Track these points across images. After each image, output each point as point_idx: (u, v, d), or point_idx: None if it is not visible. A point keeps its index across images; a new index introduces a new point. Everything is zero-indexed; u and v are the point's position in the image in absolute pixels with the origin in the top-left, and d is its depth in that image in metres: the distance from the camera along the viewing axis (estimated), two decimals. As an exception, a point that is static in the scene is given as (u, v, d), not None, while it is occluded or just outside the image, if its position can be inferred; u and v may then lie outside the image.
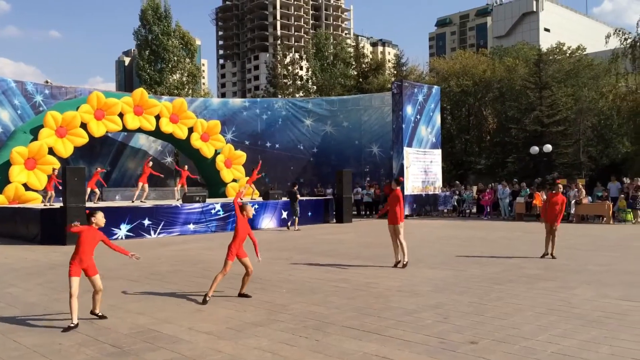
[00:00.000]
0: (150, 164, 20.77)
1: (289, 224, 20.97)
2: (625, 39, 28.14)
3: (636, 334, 6.03)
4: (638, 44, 27.29)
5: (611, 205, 22.33)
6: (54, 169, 20.41)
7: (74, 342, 6.03)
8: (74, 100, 24.28)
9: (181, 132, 24.84)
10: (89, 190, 20.15)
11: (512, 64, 41.69)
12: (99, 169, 21.97)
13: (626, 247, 14.23)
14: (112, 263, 12.28)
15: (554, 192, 12.50)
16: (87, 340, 6.10)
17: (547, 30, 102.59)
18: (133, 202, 20.10)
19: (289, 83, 50.57)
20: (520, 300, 7.84)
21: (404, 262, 11.06)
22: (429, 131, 28.34)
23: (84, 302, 7.28)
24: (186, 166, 23.23)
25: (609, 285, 8.89)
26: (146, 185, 20.58)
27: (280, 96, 46.52)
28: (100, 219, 6.88)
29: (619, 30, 28.70)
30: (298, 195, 20.74)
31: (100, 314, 7.00)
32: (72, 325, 6.46)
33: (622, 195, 22.60)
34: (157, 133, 25.03)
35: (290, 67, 51.59)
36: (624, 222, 22.00)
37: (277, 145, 31.17)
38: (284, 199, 22.94)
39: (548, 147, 28.87)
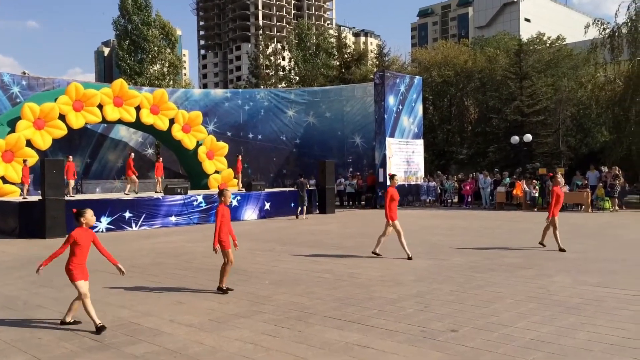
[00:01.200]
0: (132, 155, 20.96)
1: (298, 212, 21.70)
2: (604, 29, 28.40)
3: (612, 319, 6.15)
4: (616, 34, 27.57)
5: (590, 193, 22.67)
6: (24, 160, 20.11)
7: (53, 336, 5.98)
8: (52, 91, 23.86)
9: (162, 124, 24.59)
10: (71, 182, 19.99)
11: (493, 54, 41.93)
12: (70, 158, 21.15)
13: (604, 235, 14.49)
14: (92, 255, 12.16)
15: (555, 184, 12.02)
16: (66, 334, 6.05)
17: (527, 20, 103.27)
18: (127, 193, 20.32)
19: (271, 74, 50.30)
20: (500, 288, 7.94)
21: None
22: (411, 121, 28.44)
23: (64, 303, 7.20)
24: (160, 158, 23.59)
25: (586, 272, 9.05)
26: (134, 177, 20.90)
27: (262, 87, 46.26)
28: (90, 217, 6.43)
29: (598, 21, 28.96)
30: (308, 185, 22.24)
31: (72, 320, 6.48)
32: (101, 324, 6.06)
33: (601, 184, 22.96)
34: (137, 124, 24.75)
35: (272, 58, 51.29)
36: (602, 210, 22.36)
37: (259, 137, 31.04)
38: (267, 190, 23.00)
39: (528, 137, 29.17)
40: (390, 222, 10.91)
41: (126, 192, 20.84)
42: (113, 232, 17.16)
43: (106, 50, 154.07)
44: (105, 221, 17.34)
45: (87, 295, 6.15)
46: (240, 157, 24.52)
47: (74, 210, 6.46)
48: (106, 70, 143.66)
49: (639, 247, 11.19)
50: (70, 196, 19.14)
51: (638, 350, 5.09)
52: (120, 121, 24.07)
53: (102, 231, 17.19)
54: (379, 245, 11.32)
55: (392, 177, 11.79)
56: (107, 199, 18.18)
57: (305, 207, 21.75)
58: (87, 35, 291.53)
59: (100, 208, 17.35)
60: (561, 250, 11.49)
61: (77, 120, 22.28)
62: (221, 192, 8.01)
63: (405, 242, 10.93)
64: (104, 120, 23.62)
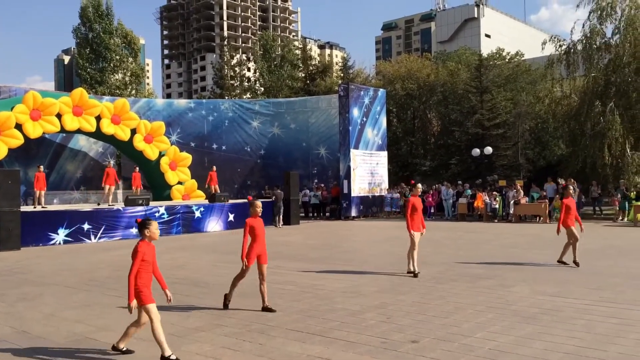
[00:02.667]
0: (111, 163, 20.87)
1: (277, 221, 23.04)
2: (560, 46, 29.37)
3: (568, 328, 6.30)
4: (572, 50, 28.55)
5: (547, 205, 23.29)
6: None
7: (4, 352, 5.74)
8: (8, 100, 23.19)
9: (123, 134, 24.13)
10: (38, 193, 19.24)
11: (455, 69, 42.87)
12: (41, 168, 20.51)
13: (561, 245, 14.81)
14: (48, 268, 11.82)
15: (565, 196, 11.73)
16: (18, 350, 5.82)
17: (487, 36, 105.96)
18: (109, 204, 19.78)
19: (235, 84, 50.09)
20: (462, 299, 8.05)
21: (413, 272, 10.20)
22: (375, 133, 28.73)
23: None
24: (137, 167, 23.32)
25: (544, 282, 9.26)
26: (107, 187, 20.35)
27: (227, 97, 46.00)
28: (155, 230, 5.55)
29: (555, 37, 29.94)
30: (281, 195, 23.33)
31: (124, 349, 5.66)
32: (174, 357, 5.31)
33: (557, 196, 23.60)
34: (97, 134, 24.21)
35: (237, 68, 51.12)
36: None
37: (223, 147, 30.80)
38: (231, 201, 22.85)
39: (489, 150, 29.85)
40: (410, 232, 10.28)
41: (106, 202, 20.19)
42: (71, 245, 16.69)
43: (66, 59, 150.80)
44: (62, 233, 16.86)
45: (159, 319, 5.34)
46: (214, 169, 24.75)
47: (138, 220, 5.63)
48: (66, 79, 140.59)
49: (595, 256, 11.53)
50: (43, 207, 18.62)
51: (592, 359, 5.22)
52: (79, 131, 23.50)
53: (60, 243, 16.71)
54: (413, 262, 10.27)
55: (413, 186, 10.81)
56: (64, 210, 17.71)
57: (281, 216, 23.22)
58: (47, 43, 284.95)
59: (57, 220, 16.89)
60: (576, 263, 10.95)
61: (34, 130, 21.64)
62: (251, 203, 7.46)
63: (415, 257, 10.20)
64: (62, 130, 23.03)
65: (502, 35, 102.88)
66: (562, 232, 11.24)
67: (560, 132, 32.54)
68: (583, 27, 28.20)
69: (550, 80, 31.14)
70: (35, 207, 18.55)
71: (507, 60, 46.67)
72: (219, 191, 23.86)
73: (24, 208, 17.83)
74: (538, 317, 6.85)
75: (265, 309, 7.43)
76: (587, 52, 27.92)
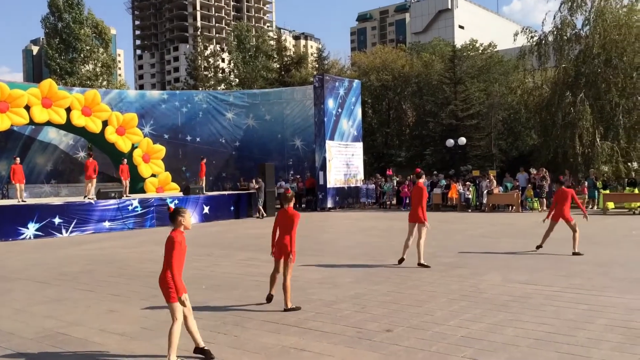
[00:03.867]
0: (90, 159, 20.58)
1: (259, 212, 23.44)
2: (532, 37, 29.79)
3: (537, 315, 6.42)
4: (543, 42, 28.97)
5: (520, 194, 23.67)
6: None
7: (-29, 351, 5.61)
8: (-27, 91, 22.52)
9: (94, 126, 23.68)
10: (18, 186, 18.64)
11: (429, 60, 43.15)
12: (17, 160, 19.90)
13: (533, 234, 15.09)
14: (17, 263, 11.58)
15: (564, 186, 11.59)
16: (-14, 348, 5.69)
17: (461, 27, 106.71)
18: (87, 198, 19.37)
19: (209, 75, 49.63)
20: (435, 288, 8.14)
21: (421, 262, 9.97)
22: (350, 124, 28.76)
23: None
24: (125, 160, 22.43)
25: (515, 270, 9.42)
26: (93, 180, 20.05)
27: (200, 89, 45.52)
28: (189, 219, 5.14)
29: (527, 29, 30.35)
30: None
31: (206, 347, 5.30)
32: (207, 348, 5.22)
33: (530, 185, 24.01)
34: (68, 126, 23.71)
35: (211, 59, 50.63)
36: (531, 210, 23.38)
37: (198, 139, 30.49)
38: (207, 193, 22.72)
39: (462, 140, 30.16)
40: (425, 223, 10.10)
41: (88, 195, 19.75)
42: (41, 239, 16.37)
43: (35, 49, 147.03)
44: (33, 227, 16.53)
45: (181, 321, 5.05)
46: (204, 160, 24.44)
47: (171, 209, 5.21)
48: (35, 70, 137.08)
49: (565, 244, 11.75)
50: (22, 201, 18.07)
51: (561, 344, 5.33)
52: (49, 123, 23.00)
53: (30, 238, 16.38)
54: (421, 253, 10.07)
55: (419, 175, 10.67)
56: (34, 204, 17.34)
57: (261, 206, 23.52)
58: (15, 33, 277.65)
59: (27, 213, 16.54)
60: (576, 254, 10.83)
61: (1, 122, 21.10)
62: (284, 196, 7.19)
63: (410, 245, 10.13)
64: (31, 122, 22.50)
65: (476, 26, 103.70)
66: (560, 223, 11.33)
67: (532, 123, 33.08)
68: (554, 18, 28.68)
69: (522, 71, 31.60)
70: (19, 201, 17.90)
71: (480, 51, 47.15)
72: (202, 184, 23.78)
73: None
74: (509, 305, 6.97)
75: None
76: (557, 44, 28.38)
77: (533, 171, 24.88)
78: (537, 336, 5.60)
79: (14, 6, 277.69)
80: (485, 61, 43.71)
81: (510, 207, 23.81)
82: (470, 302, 7.18)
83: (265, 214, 23.35)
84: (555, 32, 28.55)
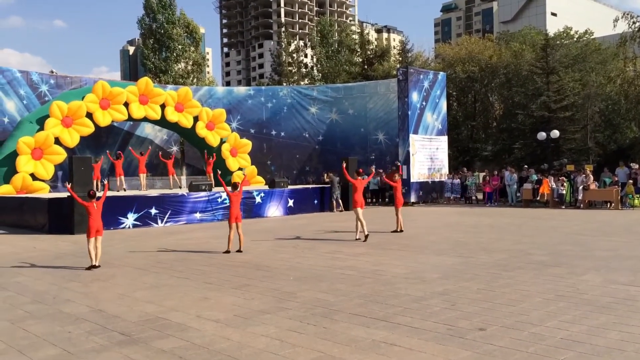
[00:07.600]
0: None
1: (336, 207, 23.48)
2: (634, 22, 27.81)
3: (645, 319, 5.99)
4: (646, 27, 26.99)
5: (619, 190, 22.19)
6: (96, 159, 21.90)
7: (83, 330, 6.06)
8: (79, 89, 24.27)
9: (186, 121, 24.81)
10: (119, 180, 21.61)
11: (519, 49, 41.29)
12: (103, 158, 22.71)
13: (633, 233, 14.15)
14: (119, 250, 12.36)
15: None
16: (96, 328, 6.13)
17: (554, 14, 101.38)
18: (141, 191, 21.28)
19: (293, 71, 50.35)
20: (529, 287, 7.81)
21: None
22: (435, 118, 28.17)
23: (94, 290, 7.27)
24: (172, 156, 24.49)
25: (616, 271, 8.85)
26: (142, 175, 22.81)
27: (285, 84, 46.34)
28: None
29: (627, 14, 28.35)
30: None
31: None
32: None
33: (630, 181, 22.44)
34: (162, 122, 25.01)
35: (294, 55, 51.33)
36: (631, 208, 21.86)
37: (282, 134, 31.11)
38: (291, 187, 23.15)
39: (555, 133, 28.63)
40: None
41: (144, 189, 22.25)
42: (139, 228, 17.39)
43: (131, 49, 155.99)
44: (132, 217, 17.58)
45: None
46: (212, 159, 24.49)
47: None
48: (131, 69, 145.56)
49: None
50: (124, 189, 20.88)
51: (673, 351, 4.95)
52: (145, 119, 24.36)
53: (129, 227, 17.43)
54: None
55: (395, 170, 13.15)
56: (133, 196, 18.44)
57: (335, 202, 23.54)
58: (113, 34, 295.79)
59: (127, 205, 17.62)
60: None
61: (104, 118, 22.61)
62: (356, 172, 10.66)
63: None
64: (130, 118, 23.94)
65: (570, 13, 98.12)
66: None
67: (633, 114, 30.93)
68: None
69: (623, 59, 29.60)
70: (119, 191, 20.62)
71: (575, 39, 44.53)
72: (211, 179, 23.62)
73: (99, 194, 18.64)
74: (612, 307, 6.56)
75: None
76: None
77: (634, 166, 23.22)
78: (646, 342, 5.23)
79: (111, 9, 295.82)
80: (580, 49, 41.17)
81: (609, 203, 22.37)
82: (569, 303, 6.82)
83: (342, 209, 23.30)
84: (660, 16, 26.46)
